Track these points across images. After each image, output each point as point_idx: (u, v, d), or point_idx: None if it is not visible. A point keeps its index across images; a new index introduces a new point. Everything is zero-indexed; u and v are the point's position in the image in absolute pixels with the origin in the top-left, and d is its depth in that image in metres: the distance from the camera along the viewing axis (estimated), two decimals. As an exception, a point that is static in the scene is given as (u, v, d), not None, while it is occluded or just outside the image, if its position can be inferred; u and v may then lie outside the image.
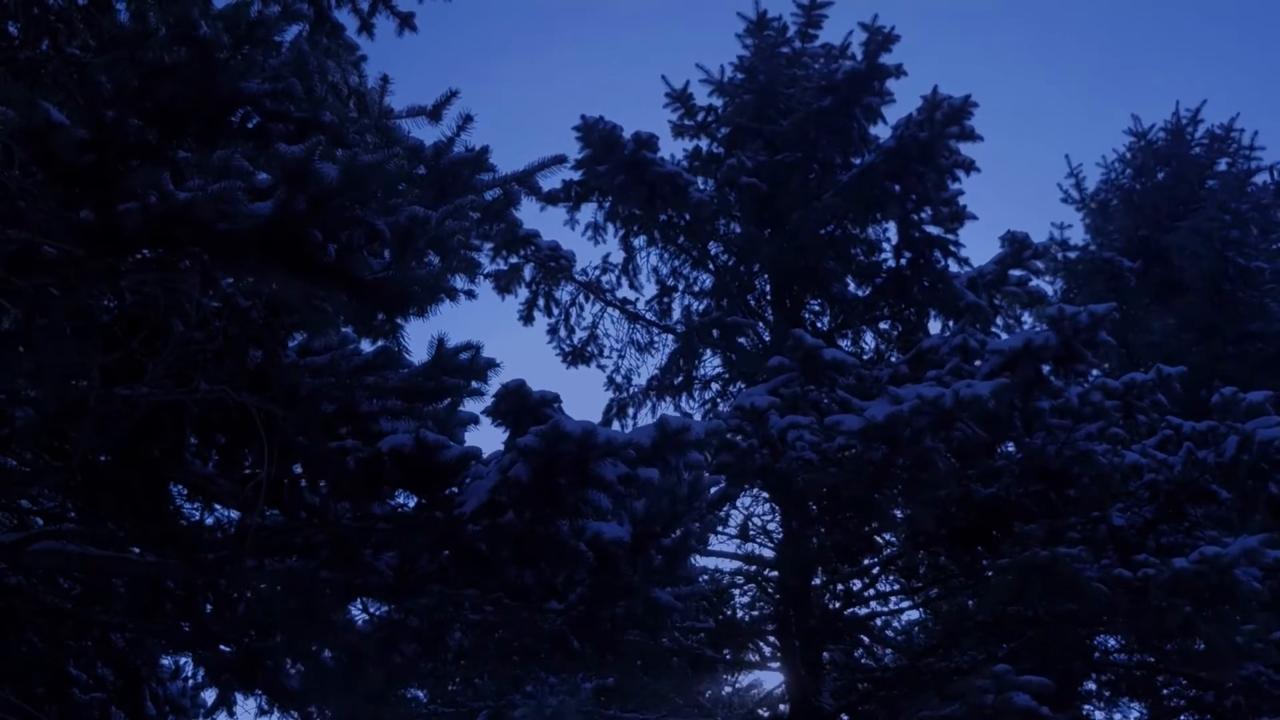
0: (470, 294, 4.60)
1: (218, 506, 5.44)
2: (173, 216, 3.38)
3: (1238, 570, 7.08)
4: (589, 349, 11.65)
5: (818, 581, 9.90)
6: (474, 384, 4.47)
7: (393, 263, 3.74)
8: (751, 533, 10.43)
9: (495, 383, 4.71)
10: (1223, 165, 15.40)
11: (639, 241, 11.25)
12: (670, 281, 11.51)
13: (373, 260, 3.73)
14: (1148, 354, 13.06)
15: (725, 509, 10.25)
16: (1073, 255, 15.38)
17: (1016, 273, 10.24)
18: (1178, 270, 14.13)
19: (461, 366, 4.42)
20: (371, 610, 5.71)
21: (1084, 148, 21.72)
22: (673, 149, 15.11)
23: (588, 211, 11.07)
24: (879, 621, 10.82)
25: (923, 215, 10.24)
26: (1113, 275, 14.04)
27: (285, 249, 3.55)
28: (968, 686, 7.05)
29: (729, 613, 10.29)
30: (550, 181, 5.48)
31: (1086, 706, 10.30)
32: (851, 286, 10.81)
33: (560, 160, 4.82)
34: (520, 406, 4.94)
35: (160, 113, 3.82)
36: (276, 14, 3.91)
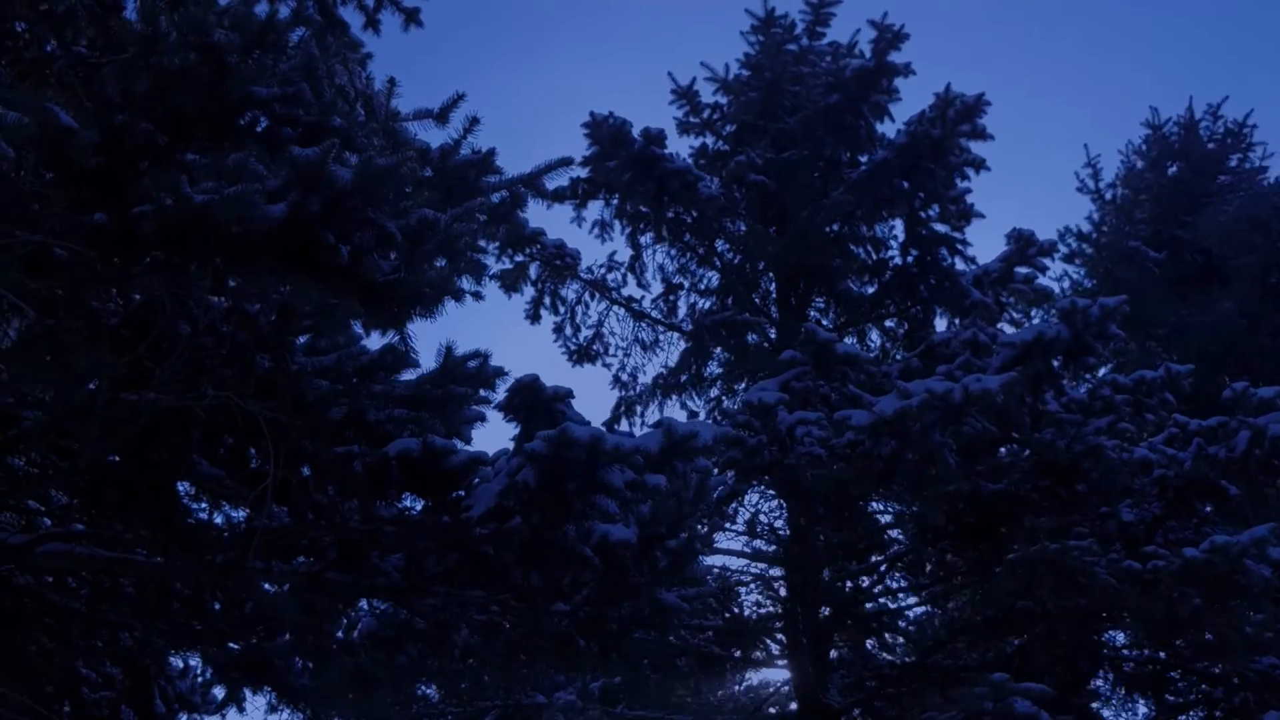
0: (477, 295, 4.60)
1: (225, 507, 5.46)
2: (188, 219, 3.38)
3: (1248, 560, 7.06)
4: (594, 347, 11.63)
5: (825, 578, 9.88)
6: (482, 392, 4.47)
7: (403, 264, 3.75)
8: (759, 530, 10.43)
9: (503, 391, 4.71)
10: (1234, 161, 15.37)
11: (646, 239, 11.24)
12: (676, 279, 11.50)
13: (383, 262, 3.74)
14: (1174, 345, 13.04)
15: (733, 506, 10.23)
16: (1088, 249, 15.40)
17: (1022, 270, 10.22)
18: (1190, 263, 14.11)
19: (470, 374, 4.42)
20: (378, 610, 5.72)
21: (1092, 145, 21.63)
22: (678, 146, 15.12)
23: (594, 209, 11.07)
24: (887, 618, 10.80)
25: (930, 213, 10.22)
26: (1134, 264, 14.05)
27: (299, 251, 3.56)
28: (966, 694, 7.01)
29: (736, 610, 10.28)
30: (557, 180, 5.49)
31: (1094, 704, 10.27)
32: (857, 284, 10.78)
33: (567, 162, 4.82)
34: (532, 402, 4.92)
35: (170, 117, 3.83)
36: (287, 19, 3.90)
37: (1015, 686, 6.83)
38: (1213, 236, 13.98)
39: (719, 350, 11.27)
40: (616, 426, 11.66)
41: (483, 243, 5.76)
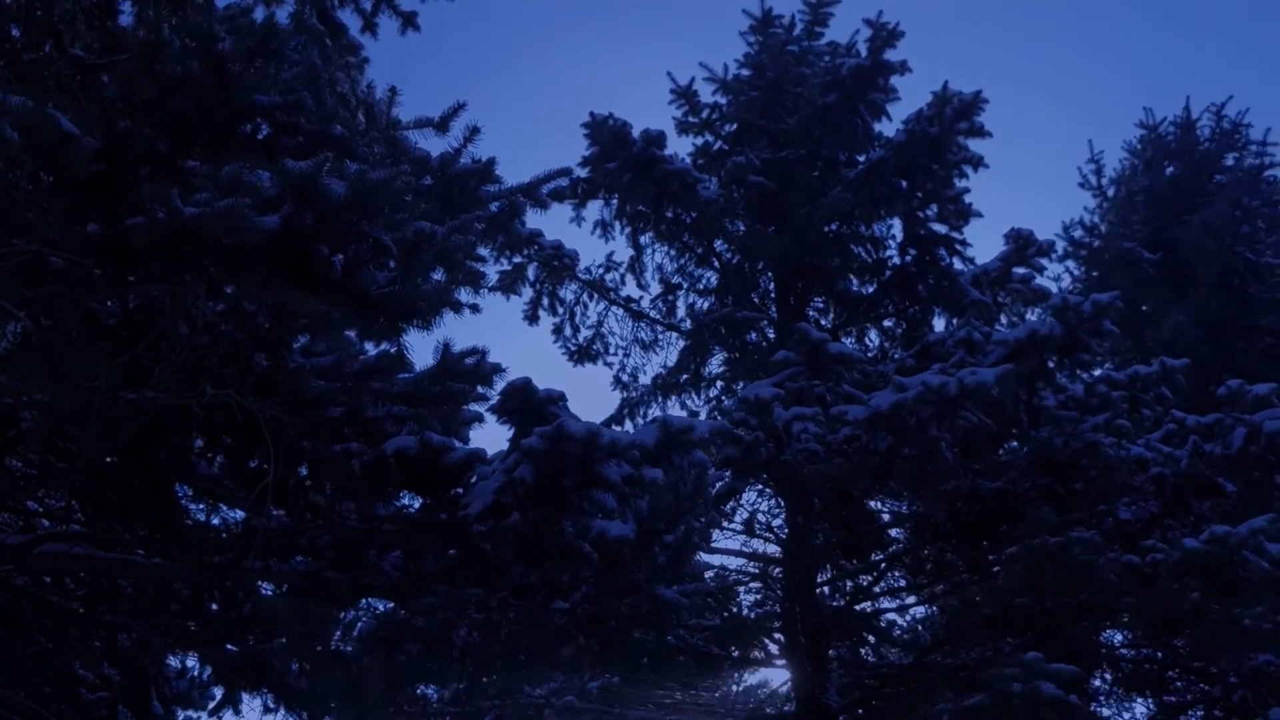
0: (474, 308, 4.62)
1: (224, 508, 5.47)
2: (180, 232, 3.39)
3: (1247, 551, 7.06)
4: (594, 347, 11.64)
5: (824, 578, 9.88)
6: (480, 389, 4.48)
7: (398, 277, 3.75)
8: (757, 528, 10.42)
9: (499, 389, 4.72)
10: (1230, 160, 15.40)
11: (646, 239, 11.25)
12: (675, 279, 11.50)
13: (378, 274, 3.74)
14: (1160, 348, 13.06)
15: (730, 504, 10.23)
16: (1095, 244, 15.48)
17: (1020, 270, 10.21)
18: (1187, 264, 14.16)
19: (467, 371, 4.43)
20: (377, 609, 5.73)
21: (1091, 142, 21.64)
22: (678, 146, 15.11)
23: (594, 209, 11.07)
24: (885, 618, 10.80)
25: (929, 212, 10.21)
26: (1130, 265, 14.12)
27: (292, 263, 3.56)
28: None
29: (735, 610, 10.27)
30: (554, 185, 5.50)
31: (1093, 704, 10.27)
32: (856, 284, 10.78)
33: (565, 173, 4.84)
34: (525, 405, 4.92)
35: (172, 124, 3.84)
36: (288, 27, 3.92)
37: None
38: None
39: (718, 348, 11.28)
40: (616, 427, 11.65)
41: (481, 252, 5.78)
